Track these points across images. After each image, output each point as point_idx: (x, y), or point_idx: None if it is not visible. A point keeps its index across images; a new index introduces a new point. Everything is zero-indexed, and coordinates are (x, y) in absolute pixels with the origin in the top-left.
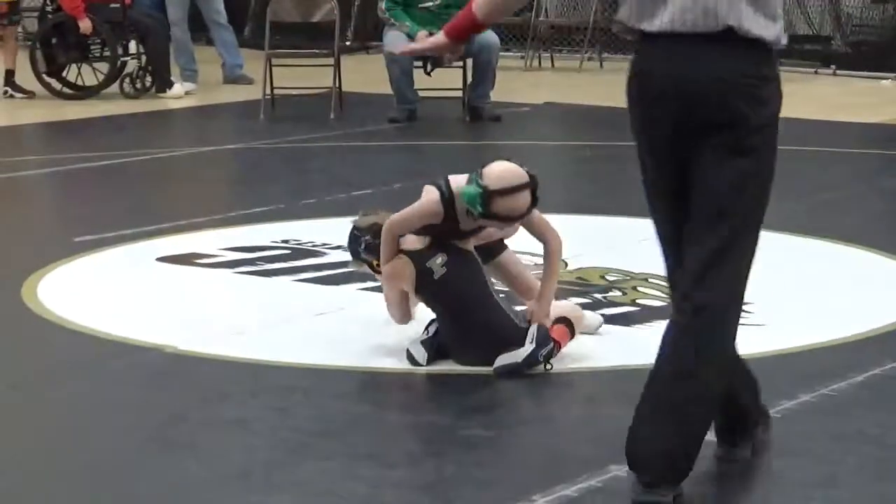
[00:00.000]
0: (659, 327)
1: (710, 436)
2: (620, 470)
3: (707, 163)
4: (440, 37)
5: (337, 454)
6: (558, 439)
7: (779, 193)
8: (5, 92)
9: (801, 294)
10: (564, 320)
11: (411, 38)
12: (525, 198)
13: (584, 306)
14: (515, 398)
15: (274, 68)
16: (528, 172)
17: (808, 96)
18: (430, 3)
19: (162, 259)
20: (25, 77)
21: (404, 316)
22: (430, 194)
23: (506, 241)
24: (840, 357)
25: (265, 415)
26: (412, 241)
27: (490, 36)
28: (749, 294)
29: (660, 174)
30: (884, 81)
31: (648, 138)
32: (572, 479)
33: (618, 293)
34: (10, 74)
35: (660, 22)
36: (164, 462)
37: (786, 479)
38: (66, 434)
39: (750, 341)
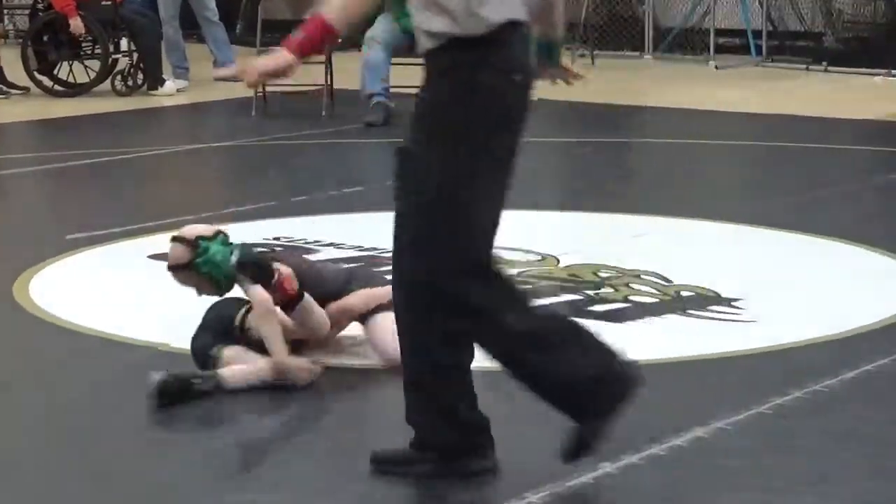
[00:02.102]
0: (651, 324)
1: (700, 436)
2: (611, 466)
3: None
4: (283, 55)
5: (332, 451)
6: (549, 437)
7: (771, 190)
8: None
9: (793, 290)
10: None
11: (409, 31)
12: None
13: (577, 303)
14: (504, 396)
15: None
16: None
17: (800, 93)
18: None
19: (154, 256)
20: (18, 74)
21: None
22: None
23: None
24: (831, 353)
25: (259, 412)
26: None
27: None
28: (741, 290)
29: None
30: (875, 78)
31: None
32: (564, 476)
33: (610, 290)
34: None
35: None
36: (157, 460)
37: (778, 476)
38: (58, 432)
39: (742, 338)
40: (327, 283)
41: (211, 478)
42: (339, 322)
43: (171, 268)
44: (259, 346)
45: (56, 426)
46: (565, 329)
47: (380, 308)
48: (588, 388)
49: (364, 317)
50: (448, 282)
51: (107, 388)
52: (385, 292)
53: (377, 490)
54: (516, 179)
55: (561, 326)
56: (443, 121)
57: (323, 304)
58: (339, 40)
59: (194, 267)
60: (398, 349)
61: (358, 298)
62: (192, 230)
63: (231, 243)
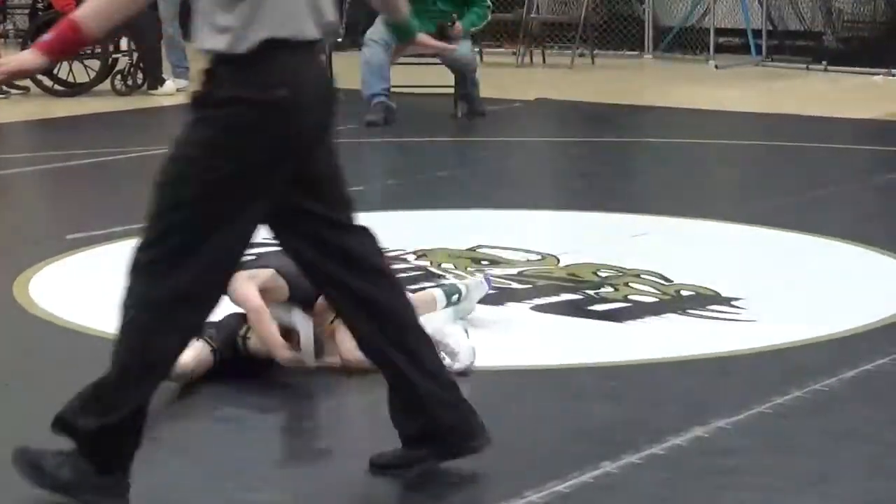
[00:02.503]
0: (651, 323)
1: (700, 436)
2: (612, 466)
3: None
4: (30, 56)
5: (329, 451)
6: (549, 436)
7: (771, 189)
8: None
9: (793, 290)
10: None
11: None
12: None
13: (577, 303)
14: (505, 395)
15: None
16: None
17: (800, 92)
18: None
19: None
20: None
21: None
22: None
23: None
24: (831, 353)
25: (257, 412)
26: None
27: (461, 50)
28: (741, 290)
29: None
30: (875, 77)
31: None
32: (564, 475)
33: (610, 289)
34: None
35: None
36: (154, 460)
37: (778, 475)
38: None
39: (743, 337)
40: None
41: (211, 477)
42: (322, 313)
43: None
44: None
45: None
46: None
47: None
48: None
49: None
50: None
51: None
52: None
53: (377, 489)
54: (516, 179)
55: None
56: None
57: (309, 306)
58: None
59: None
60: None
61: None
62: None
63: None
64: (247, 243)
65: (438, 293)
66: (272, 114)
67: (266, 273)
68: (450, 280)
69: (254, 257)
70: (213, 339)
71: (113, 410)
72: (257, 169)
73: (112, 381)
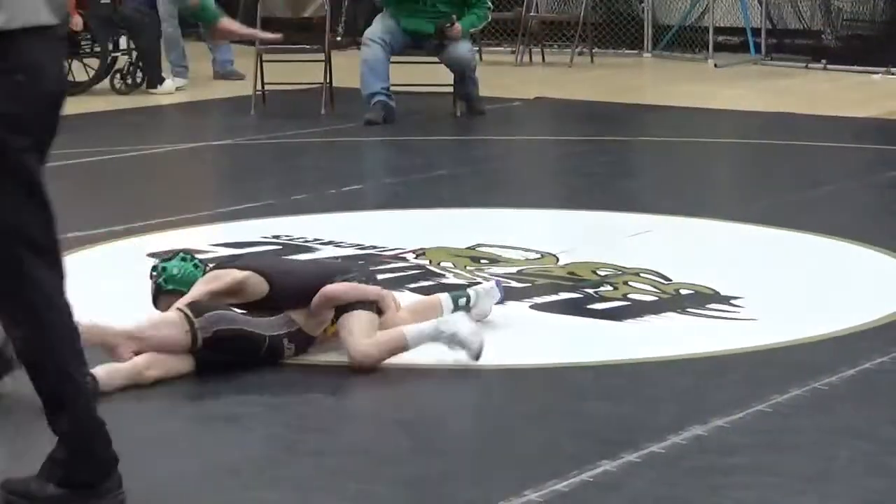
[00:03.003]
0: (650, 322)
1: (699, 435)
2: (611, 464)
3: None
4: None
5: (329, 450)
6: (548, 434)
7: (770, 188)
8: None
9: (792, 289)
10: None
11: (408, 31)
12: None
13: (576, 301)
14: (503, 393)
15: (265, 64)
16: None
17: (799, 91)
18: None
19: (153, 255)
20: None
21: None
22: None
23: None
24: (831, 351)
25: (257, 410)
26: None
27: (460, 50)
28: (739, 289)
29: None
30: (875, 76)
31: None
32: (563, 474)
33: (609, 288)
34: None
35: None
36: (156, 457)
37: (777, 474)
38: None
39: (742, 336)
40: (305, 282)
41: (213, 475)
42: (320, 310)
43: (154, 305)
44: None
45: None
46: None
47: (355, 306)
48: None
49: (339, 311)
50: None
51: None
52: (369, 290)
53: (378, 488)
54: (515, 178)
55: None
56: None
57: (302, 303)
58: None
59: (161, 289)
60: (359, 350)
61: (340, 287)
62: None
63: (194, 259)
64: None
65: (445, 298)
66: (10, 99)
67: (232, 274)
68: (454, 282)
69: (230, 258)
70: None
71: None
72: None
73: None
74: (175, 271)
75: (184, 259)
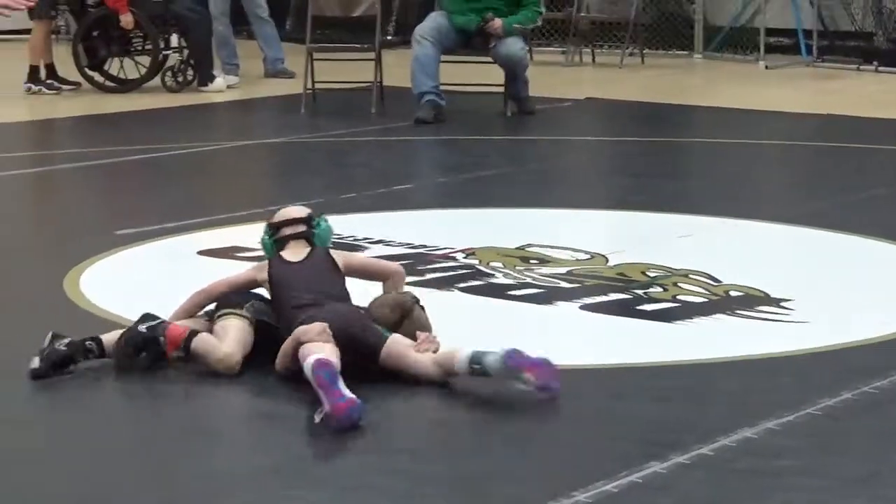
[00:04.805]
0: (700, 324)
1: (749, 437)
2: (660, 466)
3: None
4: None
5: (374, 449)
6: (597, 435)
7: (821, 190)
8: (28, 88)
9: (842, 291)
10: None
11: (459, 29)
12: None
13: (626, 302)
14: (562, 394)
15: (315, 62)
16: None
17: (851, 93)
18: None
19: (203, 252)
20: (69, 70)
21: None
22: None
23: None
24: (881, 354)
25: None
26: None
27: (513, 48)
28: (790, 291)
29: None
30: None
31: None
32: (612, 474)
33: (658, 289)
34: (34, 70)
35: None
36: (201, 455)
37: (827, 477)
38: (103, 424)
39: (792, 338)
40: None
41: (254, 473)
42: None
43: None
44: None
45: (101, 417)
46: None
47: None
48: None
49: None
50: None
51: (152, 382)
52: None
53: (425, 488)
54: (565, 178)
55: None
56: None
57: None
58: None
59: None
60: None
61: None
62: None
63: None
64: None
65: (463, 358)
66: None
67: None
68: (504, 282)
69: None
70: (251, 315)
71: None
72: None
73: None
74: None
75: (325, 219)
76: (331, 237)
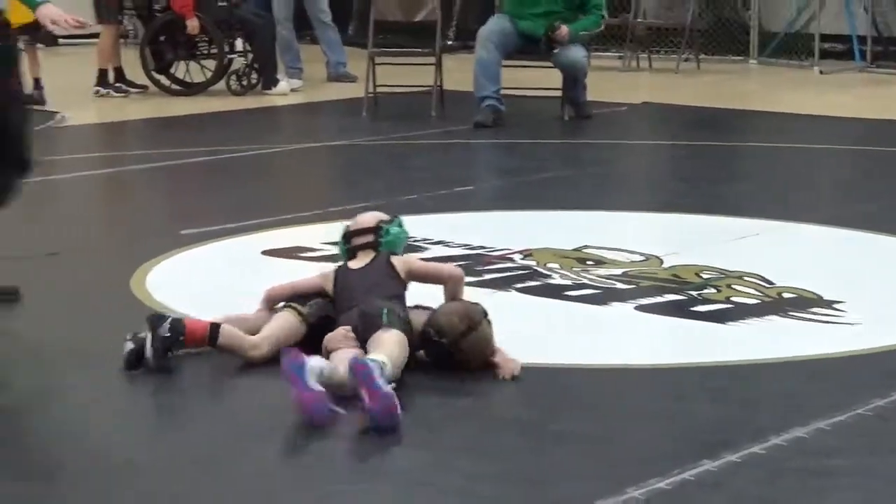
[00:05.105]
0: (753, 325)
1: (800, 436)
2: (712, 464)
3: None
4: None
5: (434, 446)
6: (651, 433)
7: (875, 194)
8: (97, 91)
9: (895, 294)
10: None
11: (522, 33)
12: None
13: (680, 303)
14: (608, 393)
15: (377, 66)
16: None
17: None
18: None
19: (267, 252)
20: (137, 73)
21: None
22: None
23: None
24: None
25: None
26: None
27: (575, 55)
28: (843, 293)
29: None
30: None
31: None
32: (665, 472)
33: (713, 291)
34: (103, 74)
35: None
36: (264, 448)
37: (878, 477)
38: (166, 420)
39: (843, 340)
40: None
41: (318, 467)
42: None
43: (362, 231)
44: None
45: (165, 413)
46: None
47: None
48: None
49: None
50: None
51: (218, 377)
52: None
53: (482, 484)
54: (621, 181)
55: None
56: None
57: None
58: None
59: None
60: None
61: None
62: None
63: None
64: None
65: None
66: None
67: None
68: (560, 283)
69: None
70: (307, 312)
71: None
72: None
73: None
74: (395, 235)
75: (400, 225)
76: (403, 242)
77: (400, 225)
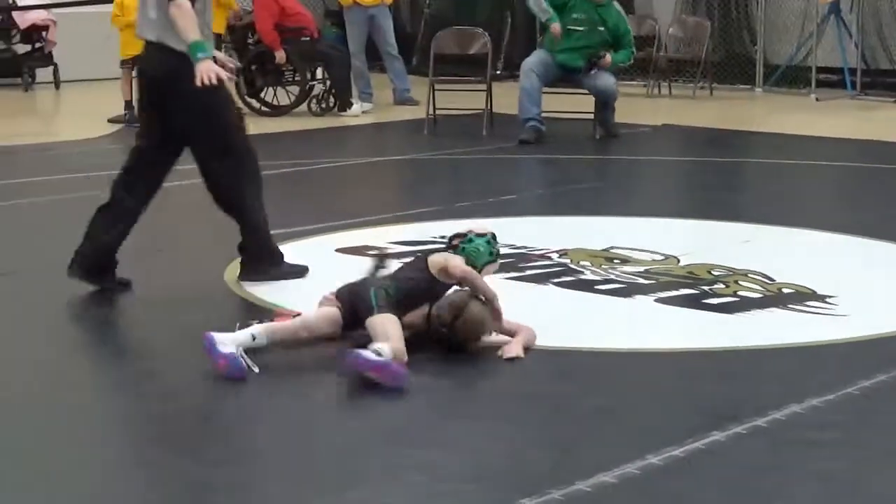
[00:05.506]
0: (757, 315)
1: (797, 412)
2: (721, 435)
3: None
4: None
5: (482, 417)
6: (668, 409)
7: (863, 204)
8: None
9: (881, 290)
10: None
11: (561, 65)
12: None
13: (694, 297)
14: (631, 374)
15: (436, 92)
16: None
17: (889, 122)
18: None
19: (340, 250)
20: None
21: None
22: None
23: None
24: None
25: (418, 383)
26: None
27: (607, 82)
28: (835, 289)
29: None
30: None
31: None
32: (680, 441)
33: (721, 286)
34: None
35: None
36: (328, 420)
37: (864, 447)
38: (254, 398)
39: (835, 329)
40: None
41: (379, 436)
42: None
43: (455, 235)
44: None
45: (254, 392)
46: None
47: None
48: None
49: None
50: None
51: (299, 358)
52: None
53: (520, 449)
54: (644, 191)
55: None
56: None
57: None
58: (499, 72)
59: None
60: None
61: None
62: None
63: (493, 245)
64: None
65: None
66: None
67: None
68: (591, 278)
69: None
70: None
71: None
72: None
73: None
74: (471, 249)
75: (489, 242)
76: (483, 256)
77: (488, 242)
